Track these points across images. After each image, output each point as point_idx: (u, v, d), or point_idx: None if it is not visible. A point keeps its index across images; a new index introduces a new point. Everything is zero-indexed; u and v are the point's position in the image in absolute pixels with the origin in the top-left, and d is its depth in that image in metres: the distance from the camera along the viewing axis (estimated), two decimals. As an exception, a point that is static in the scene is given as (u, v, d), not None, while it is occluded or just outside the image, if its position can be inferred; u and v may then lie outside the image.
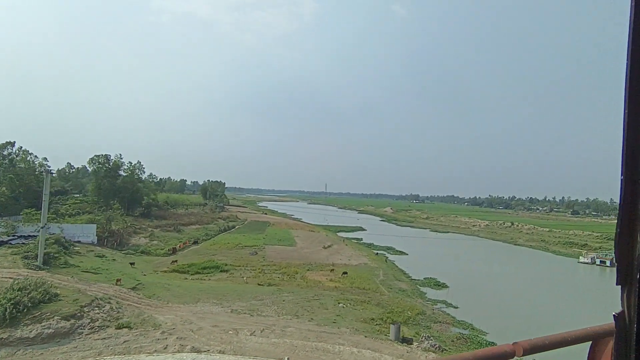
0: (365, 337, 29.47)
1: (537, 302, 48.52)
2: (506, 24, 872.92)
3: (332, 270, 55.41)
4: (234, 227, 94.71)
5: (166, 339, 25.97)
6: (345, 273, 53.71)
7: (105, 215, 59.40)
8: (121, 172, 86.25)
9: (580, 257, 79.81)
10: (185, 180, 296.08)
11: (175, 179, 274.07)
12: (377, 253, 75.24)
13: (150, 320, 29.28)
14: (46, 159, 74.67)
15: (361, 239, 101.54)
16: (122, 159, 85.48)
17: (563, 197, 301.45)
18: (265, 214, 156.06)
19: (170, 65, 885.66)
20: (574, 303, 49.45)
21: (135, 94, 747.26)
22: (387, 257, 73.01)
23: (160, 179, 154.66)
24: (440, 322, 37.46)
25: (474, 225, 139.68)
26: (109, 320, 27.59)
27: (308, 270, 55.35)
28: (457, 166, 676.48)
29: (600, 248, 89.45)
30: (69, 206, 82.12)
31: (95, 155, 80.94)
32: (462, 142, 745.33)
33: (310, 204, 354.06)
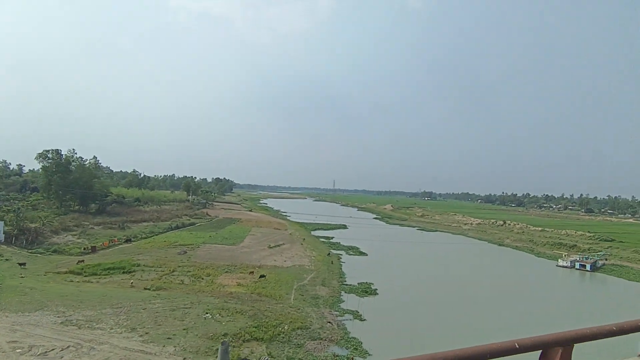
0: None
1: (475, 314, 41.98)
2: (525, 20, 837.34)
3: (252, 272, 50.53)
4: (194, 224, 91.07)
5: None
6: (262, 276, 48.86)
7: (15, 213, 56.38)
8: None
9: (559, 259, 71.53)
10: (194, 177, 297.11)
11: (179, 176, 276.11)
12: (329, 254, 69.53)
13: (-61, 334, 25.27)
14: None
15: (332, 238, 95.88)
16: (75, 153, 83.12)
17: (581, 195, 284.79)
18: (251, 210, 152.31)
19: (186, 65, 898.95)
20: (522, 314, 42.54)
21: (152, 95, 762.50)
22: (338, 259, 67.38)
23: (145, 175, 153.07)
24: (321, 339, 31.85)
25: (465, 224, 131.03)
26: None
27: (226, 272, 50.73)
28: (473, 164, 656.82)
29: (589, 249, 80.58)
30: (29, 203, 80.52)
31: (45, 150, 78.64)
32: (479, 140, 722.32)
33: (316, 201, 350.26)
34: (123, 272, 46.61)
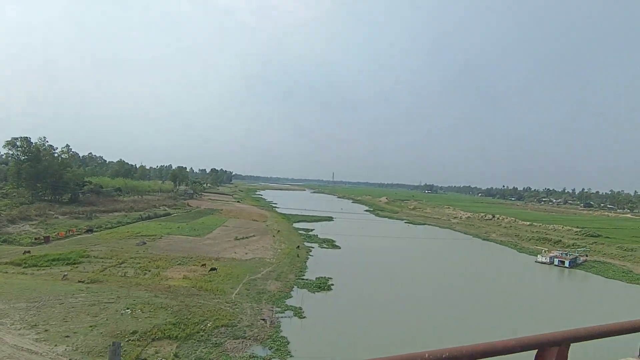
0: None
1: (433, 314, 39.44)
2: (531, 10, 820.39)
3: (204, 265, 48.71)
4: (169, 214, 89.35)
5: None
6: (213, 269, 47.01)
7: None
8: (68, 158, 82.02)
9: (539, 255, 68.82)
10: (185, 168, 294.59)
11: (175, 167, 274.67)
12: (298, 246, 67.34)
13: None
14: None
15: (312, 230, 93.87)
16: (47, 141, 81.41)
17: (583, 189, 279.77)
18: (239, 202, 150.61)
19: (189, 54, 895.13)
20: (483, 315, 40.10)
21: (152, 86, 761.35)
22: (308, 252, 65.31)
23: (133, 164, 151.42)
24: (245, 337, 29.80)
25: (454, 217, 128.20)
26: None
27: (179, 264, 48.95)
28: (476, 157, 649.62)
29: (573, 245, 77.69)
30: (4, 192, 79.15)
31: (13, 138, 76.96)
32: (484, 133, 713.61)
33: (314, 192, 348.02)
34: (67, 264, 44.81)
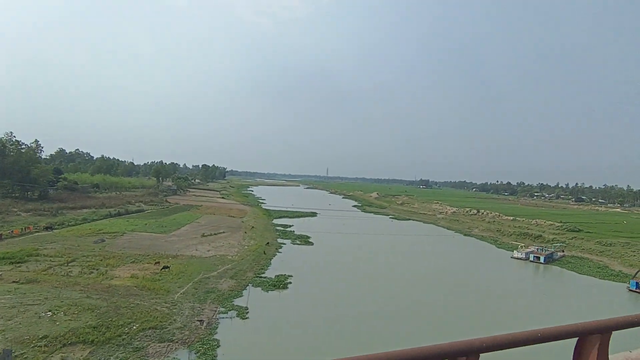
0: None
1: (389, 315, 37.51)
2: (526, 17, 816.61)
3: (158, 263, 46.92)
4: (142, 211, 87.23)
5: None
6: (166, 267, 45.21)
7: None
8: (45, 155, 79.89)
9: (515, 251, 67.21)
10: (178, 164, 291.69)
11: (168, 163, 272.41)
12: (267, 243, 65.46)
13: None
14: None
15: (291, 226, 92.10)
16: (13, 137, 79.15)
17: (576, 184, 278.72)
18: (223, 198, 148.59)
19: (185, 50, 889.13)
20: (440, 315, 38.42)
21: (150, 81, 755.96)
22: (277, 248, 63.64)
23: (115, 160, 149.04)
24: (173, 340, 27.98)
25: (440, 213, 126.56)
26: None
27: (133, 262, 47.11)
28: (473, 153, 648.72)
29: (553, 240, 76.12)
30: None
31: (-23, 133, 74.64)
32: (480, 129, 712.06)
33: (307, 188, 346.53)
34: (12, 263, 42.76)
